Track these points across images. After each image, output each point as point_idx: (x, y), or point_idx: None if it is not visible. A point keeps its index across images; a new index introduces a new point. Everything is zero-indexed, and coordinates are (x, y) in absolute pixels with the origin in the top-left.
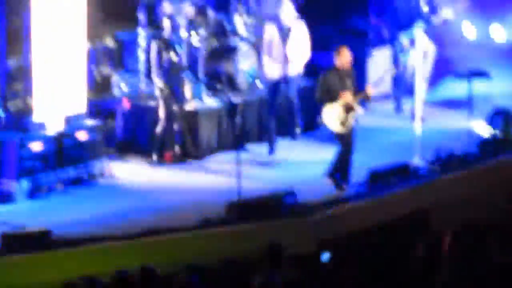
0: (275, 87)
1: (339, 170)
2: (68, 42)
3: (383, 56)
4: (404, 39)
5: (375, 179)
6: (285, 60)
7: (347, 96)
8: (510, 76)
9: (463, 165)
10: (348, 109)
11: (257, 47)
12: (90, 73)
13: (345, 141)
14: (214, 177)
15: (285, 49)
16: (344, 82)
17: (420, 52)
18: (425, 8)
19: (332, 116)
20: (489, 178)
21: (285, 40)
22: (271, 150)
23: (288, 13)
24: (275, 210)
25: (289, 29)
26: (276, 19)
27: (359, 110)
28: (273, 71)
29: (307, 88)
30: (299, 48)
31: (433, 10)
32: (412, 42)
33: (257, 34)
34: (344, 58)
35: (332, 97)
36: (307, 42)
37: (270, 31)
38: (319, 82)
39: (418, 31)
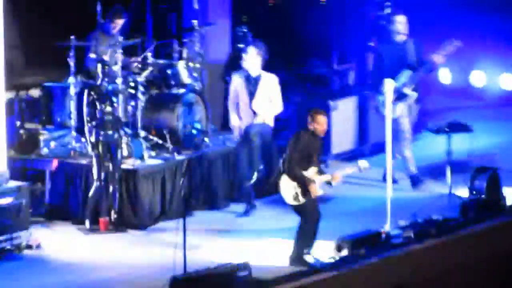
0: (244, 139)
1: (306, 247)
2: None
3: (348, 107)
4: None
5: (342, 249)
6: (252, 112)
7: (312, 173)
8: (493, 127)
9: (443, 232)
10: (310, 185)
11: (203, 97)
12: (12, 129)
13: (306, 211)
14: (156, 249)
15: (251, 101)
16: (314, 153)
17: (403, 104)
18: (412, 58)
19: (289, 185)
20: (473, 247)
21: (252, 91)
22: (246, 212)
23: (254, 63)
24: (227, 286)
25: (256, 80)
26: (242, 69)
27: (319, 191)
28: (238, 124)
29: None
30: (267, 100)
31: (421, 60)
32: (398, 93)
33: (204, 82)
34: (320, 126)
35: (307, 164)
36: (278, 93)
37: (236, 81)
38: (298, 143)
39: (402, 80)
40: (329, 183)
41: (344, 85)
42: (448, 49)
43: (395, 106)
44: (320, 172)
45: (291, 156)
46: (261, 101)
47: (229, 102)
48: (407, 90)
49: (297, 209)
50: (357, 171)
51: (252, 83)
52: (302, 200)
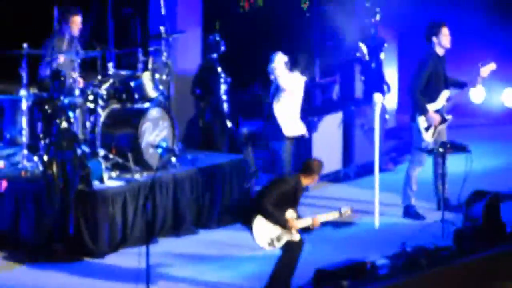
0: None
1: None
2: None
3: (332, 124)
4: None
5: (322, 281)
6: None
7: (290, 216)
8: (493, 147)
9: (434, 263)
10: (287, 231)
11: (170, 112)
12: None
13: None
14: (117, 280)
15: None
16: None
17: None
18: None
19: (263, 229)
20: (467, 280)
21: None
22: None
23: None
24: None
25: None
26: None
27: (296, 237)
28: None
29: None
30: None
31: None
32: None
33: (171, 95)
34: (313, 181)
35: (281, 208)
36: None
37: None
38: (283, 186)
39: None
40: (307, 228)
41: (328, 100)
42: (485, 71)
43: (436, 131)
44: (298, 217)
45: (268, 194)
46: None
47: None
48: (445, 113)
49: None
50: (338, 217)
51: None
52: (278, 245)
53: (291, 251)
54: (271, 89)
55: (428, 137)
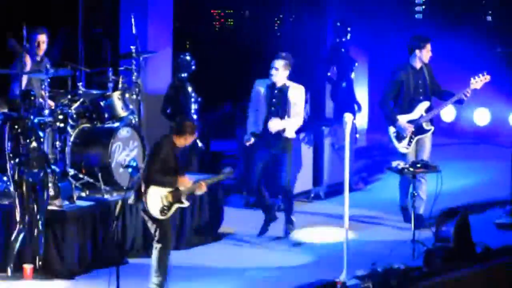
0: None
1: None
2: None
3: (303, 144)
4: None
5: None
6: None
7: (185, 182)
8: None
9: (405, 283)
10: (176, 197)
11: (140, 131)
12: None
13: (166, 232)
14: None
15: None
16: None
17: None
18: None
19: (157, 196)
20: None
21: (275, 101)
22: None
23: (282, 76)
24: None
25: (282, 90)
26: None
27: (186, 203)
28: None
29: None
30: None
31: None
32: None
33: (141, 115)
34: (188, 142)
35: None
36: (302, 105)
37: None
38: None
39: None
40: (192, 193)
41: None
42: (478, 83)
43: (412, 140)
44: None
45: (152, 161)
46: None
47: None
48: (425, 124)
49: (157, 228)
50: (223, 178)
51: (276, 93)
52: (169, 213)
53: (167, 236)
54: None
55: (401, 147)
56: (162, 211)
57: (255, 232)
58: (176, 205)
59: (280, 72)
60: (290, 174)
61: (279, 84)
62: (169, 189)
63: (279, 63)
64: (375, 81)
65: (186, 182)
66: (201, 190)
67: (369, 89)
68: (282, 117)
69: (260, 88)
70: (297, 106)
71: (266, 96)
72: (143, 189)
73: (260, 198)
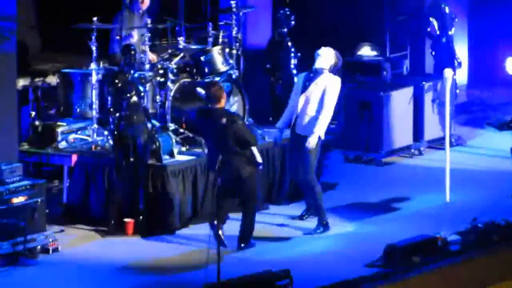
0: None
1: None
2: None
3: (403, 99)
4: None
5: (393, 257)
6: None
7: None
8: None
9: (506, 238)
10: None
11: (240, 86)
12: (27, 119)
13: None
14: (187, 254)
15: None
16: None
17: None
18: None
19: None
20: None
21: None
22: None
23: (325, 64)
24: None
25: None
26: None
27: None
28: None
29: None
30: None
31: None
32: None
33: (242, 69)
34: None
35: None
36: (332, 99)
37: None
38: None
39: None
40: None
41: (398, 75)
42: None
43: None
44: None
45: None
46: (311, 98)
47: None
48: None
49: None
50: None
51: (311, 77)
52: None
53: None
54: None
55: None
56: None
57: (355, 186)
58: None
59: (323, 59)
60: (313, 170)
61: (317, 71)
62: None
63: (324, 50)
64: (475, 37)
65: None
66: None
67: (469, 45)
68: (312, 106)
69: (300, 79)
70: (328, 97)
71: (302, 83)
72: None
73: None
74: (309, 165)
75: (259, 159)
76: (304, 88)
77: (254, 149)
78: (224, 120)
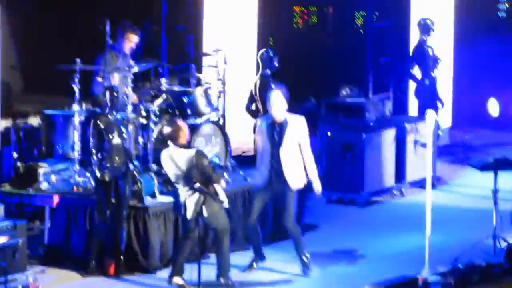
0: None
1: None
2: None
3: (385, 141)
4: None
5: None
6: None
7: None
8: None
9: (486, 279)
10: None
11: (223, 128)
12: (9, 160)
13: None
14: None
15: (273, 148)
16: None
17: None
18: None
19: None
20: None
21: (277, 138)
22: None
23: (281, 108)
24: None
25: (282, 126)
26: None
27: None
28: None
29: None
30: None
31: None
32: None
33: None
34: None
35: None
36: (307, 139)
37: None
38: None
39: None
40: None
41: (381, 116)
42: None
43: None
44: None
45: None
46: (289, 149)
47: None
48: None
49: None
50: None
51: (277, 130)
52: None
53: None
54: None
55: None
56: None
57: (336, 227)
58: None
59: (279, 106)
60: (293, 214)
61: (278, 120)
62: None
63: (276, 94)
64: (460, 78)
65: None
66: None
67: (454, 86)
68: (295, 156)
69: (262, 125)
70: (307, 142)
71: (268, 134)
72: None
73: (252, 236)
74: (293, 210)
75: (222, 197)
76: (275, 140)
77: (217, 186)
78: (185, 158)
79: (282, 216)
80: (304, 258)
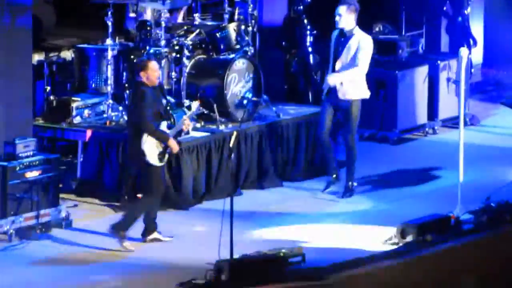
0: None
1: (145, 221)
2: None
3: (418, 78)
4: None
5: (407, 235)
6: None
7: (164, 127)
8: None
9: None
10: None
11: (256, 63)
12: (41, 94)
13: (154, 179)
14: (200, 231)
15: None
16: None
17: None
18: None
19: (153, 144)
20: None
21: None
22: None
23: (348, 21)
24: (278, 273)
25: (347, 38)
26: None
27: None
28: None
29: None
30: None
31: None
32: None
33: (257, 46)
34: (153, 72)
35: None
36: (365, 57)
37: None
38: (144, 98)
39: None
40: (180, 131)
41: (413, 53)
42: None
43: None
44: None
45: (144, 113)
46: (345, 62)
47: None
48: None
49: (148, 175)
50: (196, 108)
51: (342, 41)
52: (165, 160)
53: (158, 183)
54: None
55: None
56: (160, 158)
57: (368, 164)
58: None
59: (344, 18)
60: (354, 132)
61: (346, 30)
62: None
63: (342, 9)
64: (491, 16)
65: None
66: (187, 127)
67: (485, 24)
68: (345, 67)
69: (333, 38)
70: (359, 54)
71: (333, 45)
72: (142, 137)
73: (324, 150)
74: (350, 126)
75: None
76: (337, 52)
77: (146, 137)
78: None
79: (342, 131)
80: (350, 183)
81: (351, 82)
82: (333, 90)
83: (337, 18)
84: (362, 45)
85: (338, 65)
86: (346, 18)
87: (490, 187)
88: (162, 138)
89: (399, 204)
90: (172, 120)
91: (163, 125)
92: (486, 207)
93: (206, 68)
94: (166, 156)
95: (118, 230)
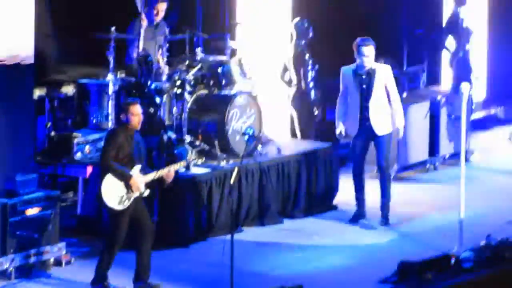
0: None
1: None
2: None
3: (419, 113)
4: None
5: (406, 274)
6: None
7: (136, 171)
8: None
9: None
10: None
11: (256, 99)
12: (42, 130)
13: (118, 224)
14: (201, 268)
15: (363, 96)
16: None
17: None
18: None
19: (114, 186)
20: None
21: (366, 86)
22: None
23: (371, 57)
24: None
25: (369, 73)
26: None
27: (146, 192)
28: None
29: None
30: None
31: None
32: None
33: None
34: (136, 116)
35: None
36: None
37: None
38: (114, 138)
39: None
40: (164, 182)
41: (415, 89)
42: None
43: None
44: (144, 172)
45: (106, 150)
46: (377, 96)
47: (338, 100)
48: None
49: (108, 218)
50: (184, 165)
51: (364, 78)
52: (126, 204)
53: (118, 229)
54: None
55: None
56: (121, 201)
57: (369, 200)
58: (136, 195)
59: (371, 58)
60: (389, 152)
61: (368, 67)
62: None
63: (370, 50)
64: (495, 52)
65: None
66: (168, 177)
67: (488, 60)
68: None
69: (348, 74)
70: (393, 86)
71: (353, 83)
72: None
73: (357, 186)
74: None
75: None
76: (363, 90)
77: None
78: None
79: (377, 157)
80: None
81: (388, 115)
82: (363, 127)
83: (365, 59)
84: (387, 75)
85: (373, 103)
86: (372, 57)
87: (491, 224)
88: (122, 177)
89: (399, 241)
90: (173, 157)
91: (135, 169)
92: (487, 244)
93: (208, 104)
94: (129, 201)
95: (98, 282)
